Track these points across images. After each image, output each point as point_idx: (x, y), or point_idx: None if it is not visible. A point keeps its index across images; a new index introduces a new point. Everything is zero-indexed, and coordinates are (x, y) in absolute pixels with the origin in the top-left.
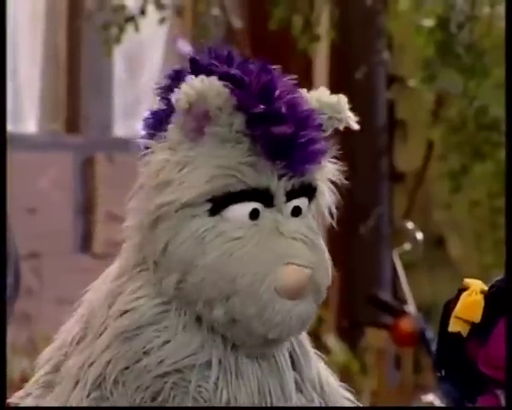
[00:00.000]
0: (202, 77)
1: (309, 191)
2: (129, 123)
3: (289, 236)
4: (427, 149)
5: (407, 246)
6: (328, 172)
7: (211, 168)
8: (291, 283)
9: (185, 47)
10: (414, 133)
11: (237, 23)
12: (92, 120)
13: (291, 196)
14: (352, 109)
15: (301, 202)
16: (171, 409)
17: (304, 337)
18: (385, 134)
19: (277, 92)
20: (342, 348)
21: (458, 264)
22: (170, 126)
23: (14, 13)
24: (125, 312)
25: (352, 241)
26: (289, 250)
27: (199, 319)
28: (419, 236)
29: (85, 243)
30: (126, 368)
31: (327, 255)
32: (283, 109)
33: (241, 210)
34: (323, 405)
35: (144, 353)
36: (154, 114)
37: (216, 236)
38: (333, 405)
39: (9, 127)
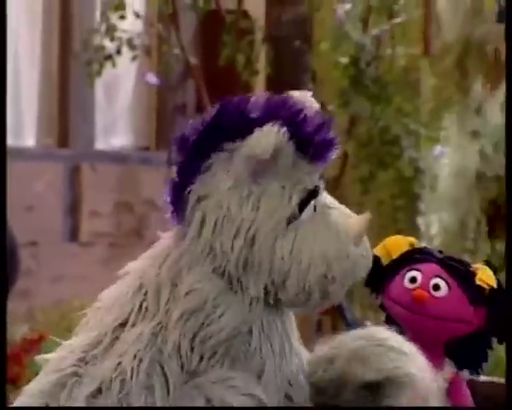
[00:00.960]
0: (266, 129)
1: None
2: (107, 139)
3: (335, 209)
4: (342, 159)
5: None
6: None
7: (286, 193)
8: (359, 227)
9: (152, 79)
10: None
11: (193, 60)
12: (78, 137)
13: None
14: None
15: (322, 184)
16: (173, 409)
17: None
18: None
19: (297, 108)
20: None
21: None
22: (235, 162)
23: (16, 47)
24: (191, 291)
25: None
26: (342, 217)
27: (247, 296)
28: None
29: (73, 234)
30: (193, 337)
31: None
32: (308, 119)
33: (309, 210)
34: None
35: (207, 324)
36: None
37: (301, 236)
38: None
39: (11, 142)
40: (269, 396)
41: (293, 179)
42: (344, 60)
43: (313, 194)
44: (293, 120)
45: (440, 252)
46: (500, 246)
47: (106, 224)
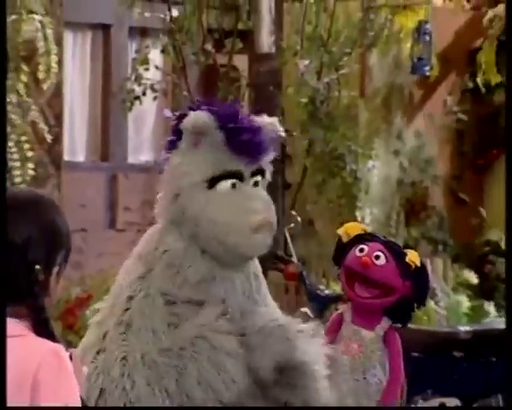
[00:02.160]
0: (196, 112)
1: (262, 172)
2: (136, 156)
3: (252, 197)
4: (303, 170)
5: (292, 225)
6: (268, 162)
7: (208, 162)
8: (260, 220)
9: (168, 113)
10: (296, 161)
11: (197, 99)
12: (115, 154)
13: (252, 175)
14: None
15: (258, 178)
16: (175, 409)
17: (258, 265)
18: (281, 162)
19: (240, 117)
20: None
21: (320, 235)
22: (180, 142)
23: (71, 91)
24: (166, 251)
25: None
26: (254, 206)
27: (204, 252)
28: (299, 219)
29: (112, 223)
30: (172, 284)
31: (273, 207)
32: (243, 127)
33: (226, 185)
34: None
35: (178, 273)
36: (170, 140)
37: (213, 200)
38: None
39: (67, 157)
40: (232, 325)
41: (217, 159)
42: (304, 100)
43: (231, 175)
44: (231, 119)
45: (384, 237)
46: (413, 232)
47: (135, 216)
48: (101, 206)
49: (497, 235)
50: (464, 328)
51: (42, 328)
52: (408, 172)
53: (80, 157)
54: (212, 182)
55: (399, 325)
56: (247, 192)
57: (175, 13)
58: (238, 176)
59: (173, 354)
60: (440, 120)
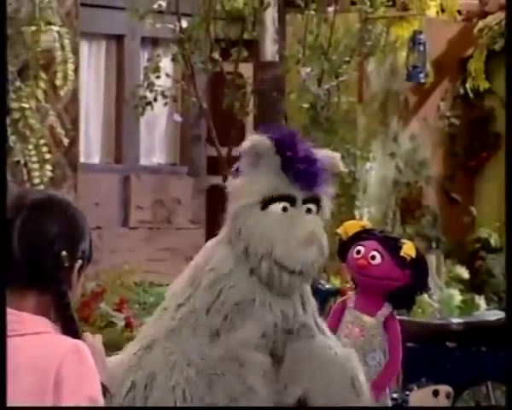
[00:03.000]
0: (255, 136)
1: (316, 201)
2: (148, 158)
3: (302, 218)
4: None
5: None
6: (325, 193)
7: (263, 184)
8: (307, 234)
9: (177, 118)
10: None
11: (205, 105)
12: (128, 156)
13: (306, 202)
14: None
15: (312, 206)
16: (178, 409)
17: (308, 288)
18: None
19: (297, 144)
20: None
21: None
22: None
23: (87, 97)
24: (212, 269)
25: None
26: (303, 223)
27: (252, 272)
28: None
29: (125, 221)
30: (213, 302)
31: (324, 238)
32: (300, 155)
33: (278, 207)
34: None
35: (223, 292)
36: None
37: (264, 219)
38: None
39: (83, 159)
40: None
41: (272, 182)
42: (306, 105)
43: (283, 198)
44: (288, 145)
45: (381, 232)
46: (408, 230)
47: (146, 214)
48: (115, 205)
49: (487, 232)
50: (456, 320)
51: (66, 323)
52: (403, 173)
53: (95, 159)
54: (266, 203)
55: (399, 317)
56: (297, 213)
57: (184, 24)
58: (291, 200)
59: (207, 367)
60: (434, 124)
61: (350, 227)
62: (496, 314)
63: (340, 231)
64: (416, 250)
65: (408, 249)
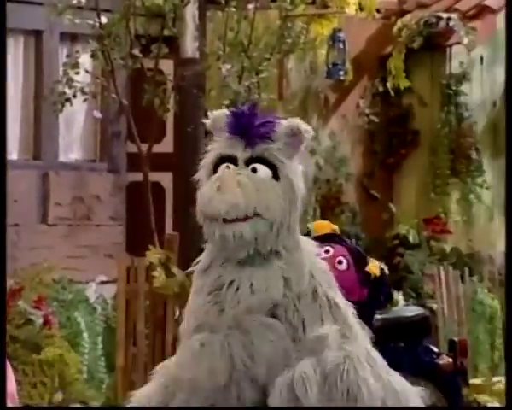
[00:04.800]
0: (214, 111)
1: (265, 162)
2: (67, 154)
3: (218, 174)
4: None
5: None
6: (278, 153)
7: (213, 151)
8: (213, 181)
9: (97, 114)
10: None
11: (125, 102)
12: (47, 153)
13: (251, 162)
14: (185, 150)
15: (259, 166)
16: (178, 409)
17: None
18: None
19: (251, 111)
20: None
21: None
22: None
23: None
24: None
25: (190, 210)
26: (216, 176)
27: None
28: None
29: (43, 217)
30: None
31: (249, 189)
32: (245, 117)
33: (222, 168)
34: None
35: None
36: None
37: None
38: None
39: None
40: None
41: (219, 145)
42: (226, 102)
43: (225, 159)
44: (240, 113)
45: (351, 242)
46: None
47: (65, 211)
48: (34, 202)
49: (405, 229)
50: (375, 316)
51: None
52: (323, 170)
53: (13, 156)
54: (215, 168)
55: None
56: (235, 171)
57: (104, 19)
58: (232, 160)
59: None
60: (353, 121)
61: (321, 227)
62: (414, 310)
63: (310, 226)
64: (381, 272)
65: (374, 267)
